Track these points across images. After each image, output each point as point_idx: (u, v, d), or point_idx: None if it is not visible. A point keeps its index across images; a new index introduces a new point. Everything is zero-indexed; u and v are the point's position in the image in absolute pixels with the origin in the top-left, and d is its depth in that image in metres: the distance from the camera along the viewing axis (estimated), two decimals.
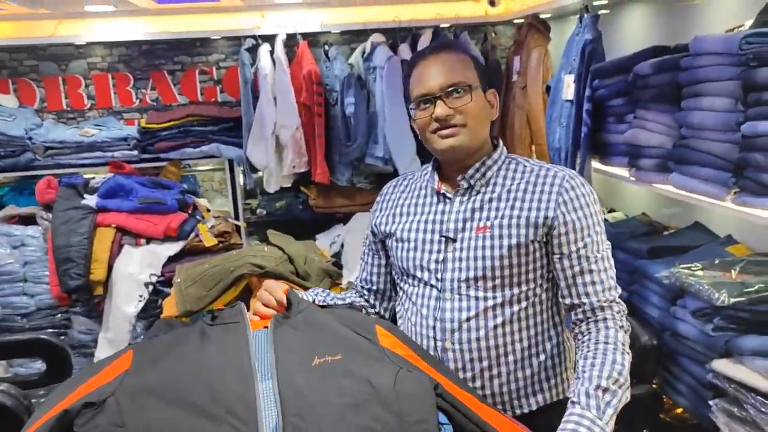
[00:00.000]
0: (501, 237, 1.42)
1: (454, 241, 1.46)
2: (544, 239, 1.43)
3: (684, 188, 1.93)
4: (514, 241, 1.42)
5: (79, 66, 3.87)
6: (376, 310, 1.69)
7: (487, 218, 1.44)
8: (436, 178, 1.52)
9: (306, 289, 2.36)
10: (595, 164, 2.56)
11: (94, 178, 3.34)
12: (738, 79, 1.69)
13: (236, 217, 3.69)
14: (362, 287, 1.71)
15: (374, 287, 1.68)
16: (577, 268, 1.42)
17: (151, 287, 3.00)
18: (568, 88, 2.65)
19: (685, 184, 1.93)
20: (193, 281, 2.43)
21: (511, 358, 1.44)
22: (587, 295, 1.42)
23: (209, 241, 3.15)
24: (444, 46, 1.51)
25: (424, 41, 3.58)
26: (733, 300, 1.78)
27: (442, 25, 3.69)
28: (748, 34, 1.67)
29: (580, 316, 1.43)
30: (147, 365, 1.17)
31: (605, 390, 1.31)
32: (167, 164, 3.63)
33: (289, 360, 1.18)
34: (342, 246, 3.53)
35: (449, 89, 1.42)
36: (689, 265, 2.02)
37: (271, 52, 3.58)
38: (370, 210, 3.90)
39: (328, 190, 3.78)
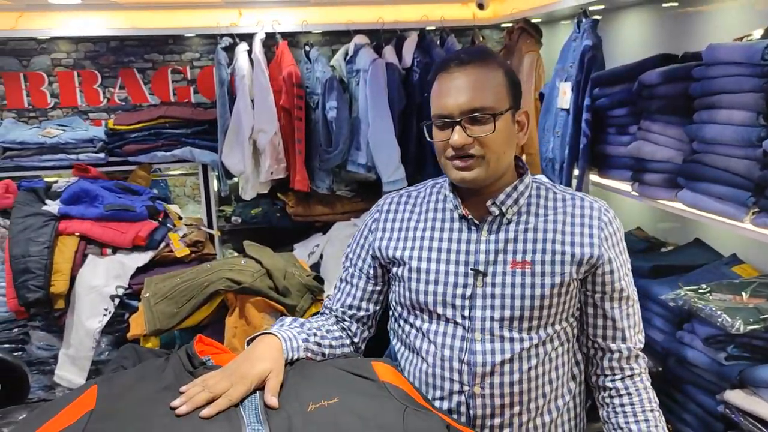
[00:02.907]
0: (543, 274, 1.28)
1: (485, 275, 1.29)
2: (581, 277, 1.31)
3: (696, 206, 1.82)
4: (558, 279, 1.28)
5: (42, 62, 3.64)
6: (356, 341, 1.46)
7: (524, 252, 1.29)
8: (459, 200, 1.35)
9: (286, 307, 2.22)
10: (593, 177, 2.45)
11: (56, 182, 3.12)
12: (760, 92, 1.58)
13: (209, 225, 3.50)
14: (343, 313, 1.47)
15: (361, 313, 1.46)
16: (617, 311, 1.33)
17: (117, 300, 2.80)
18: (564, 96, 2.53)
19: (697, 202, 1.81)
20: (163, 297, 2.27)
21: (541, 401, 1.33)
22: (624, 339, 1.35)
23: (181, 251, 2.96)
24: (473, 58, 1.27)
25: (409, 44, 3.44)
26: (749, 327, 1.67)
27: (428, 28, 3.55)
28: None
29: (613, 363, 1.36)
30: (115, 406, 1.02)
31: None
32: (136, 168, 3.42)
33: (279, 408, 1.04)
34: (321, 257, 3.37)
35: (471, 114, 1.24)
36: (696, 287, 1.91)
37: (249, 52, 3.41)
38: (350, 219, 3.78)
39: (307, 197, 3.62)
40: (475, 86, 1.25)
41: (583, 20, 2.45)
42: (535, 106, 2.97)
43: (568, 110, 2.50)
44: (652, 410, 1.34)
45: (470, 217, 1.32)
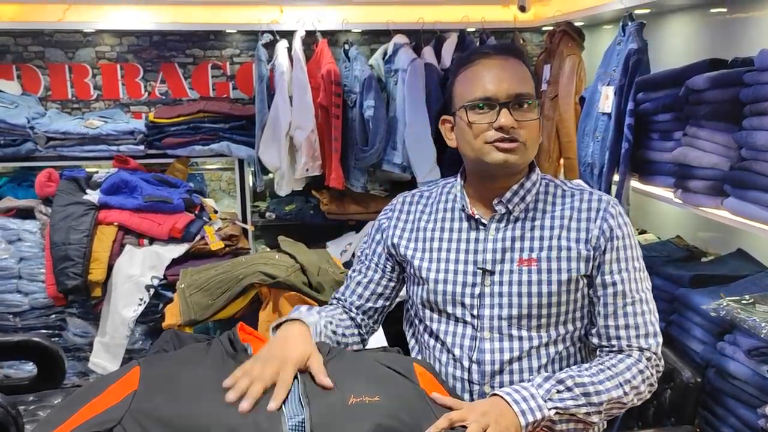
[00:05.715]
0: (550, 271, 1.27)
1: (492, 273, 1.30)
2: (589, 272, 1.29)
3: (742, 215, 1.77)
4: (564, 276, 1.27)
5: (87, 54, 3.71)
6: (362, 332, 1.47)
7: (531, 249, 1.29)
8: (468, 199, 1.36)
9: (319, 302, 2.22)
10: (633, 183, 2.40)
11: (97, 172, 3.18)
12: None
13: (243, 220, 3.53)
14: (351, 303, 1.48)
15: (368, 305, 1.47)
16: (611, 307, 1.27)
17: (152, 290, 2.85)
18: (606, 101, 2.49)
19: (743, 211, 1.77)
20: (199, 288, 2.29)
21: None
22: (618, 338, 1.28)
23: (216, 244, 2.99)
24: (512, 51, 1.32)
25: (449, 45, 3.43)
26: None
27: (468, 29, 3.53)
28: None
29: (603, 356, 1.29)
30: (158, 388, 1.03)
31: (568, 389, 1.17)
32: (174, 161, 3.47)
33: (320, 396, 1.04)
34: (353, 255, 3.38)
35: (519, 99, 1.26)
36: (739, 298, 1.87)
37: (289, 49, 3.43)
38: None
39: (341, 195, 3.63)
40: (517, 74, 1.28)
41: (629, 24, 2.41)
42: (575, 110, 2.94)
43: (609, 114, 2.47)
44: (608, 369, 1.23)
45: (477, 216, 1.33)
